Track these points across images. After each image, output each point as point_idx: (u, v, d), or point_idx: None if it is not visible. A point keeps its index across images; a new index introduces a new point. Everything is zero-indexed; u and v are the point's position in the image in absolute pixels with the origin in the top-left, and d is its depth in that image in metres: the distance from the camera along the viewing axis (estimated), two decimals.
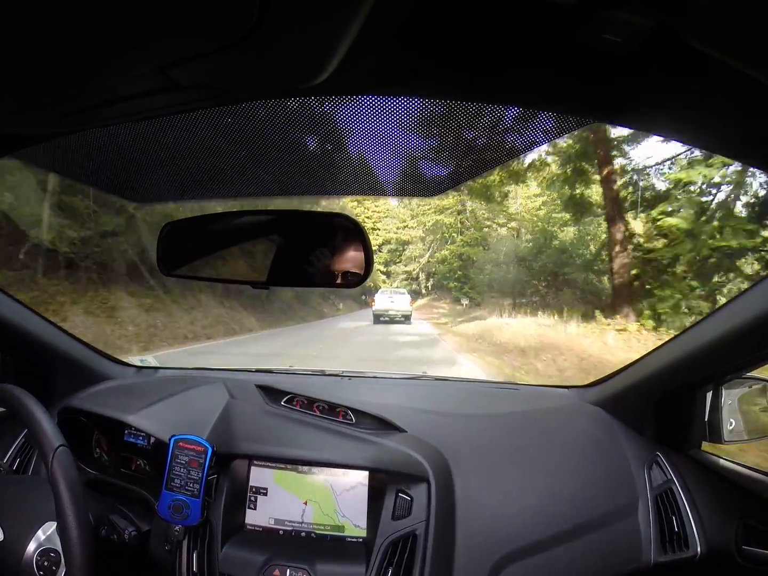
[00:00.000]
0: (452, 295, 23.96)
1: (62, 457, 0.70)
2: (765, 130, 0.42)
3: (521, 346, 7.82)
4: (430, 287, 28.55)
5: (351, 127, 0.54)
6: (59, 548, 0.70)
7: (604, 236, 11.63)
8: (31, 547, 0.72)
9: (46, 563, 0.71)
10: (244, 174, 0.73)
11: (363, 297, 24.65)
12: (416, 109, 0.50)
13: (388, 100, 0.48)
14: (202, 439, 0.90)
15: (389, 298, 14.67)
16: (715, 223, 8.03)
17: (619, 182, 10.26)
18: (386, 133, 0.55)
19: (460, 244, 24.32)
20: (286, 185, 0.78)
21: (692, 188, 8.73)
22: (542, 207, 17.57)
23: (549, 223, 15.32)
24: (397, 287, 23.67)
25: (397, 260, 29.50)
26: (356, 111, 0.50)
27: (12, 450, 1.08)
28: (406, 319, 14.17)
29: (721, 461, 0.94)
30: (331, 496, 0.93)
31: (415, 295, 26.62)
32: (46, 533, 0.74)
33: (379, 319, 13.98)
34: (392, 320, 14.06)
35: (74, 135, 0.57)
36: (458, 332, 11.77)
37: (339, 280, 0.72)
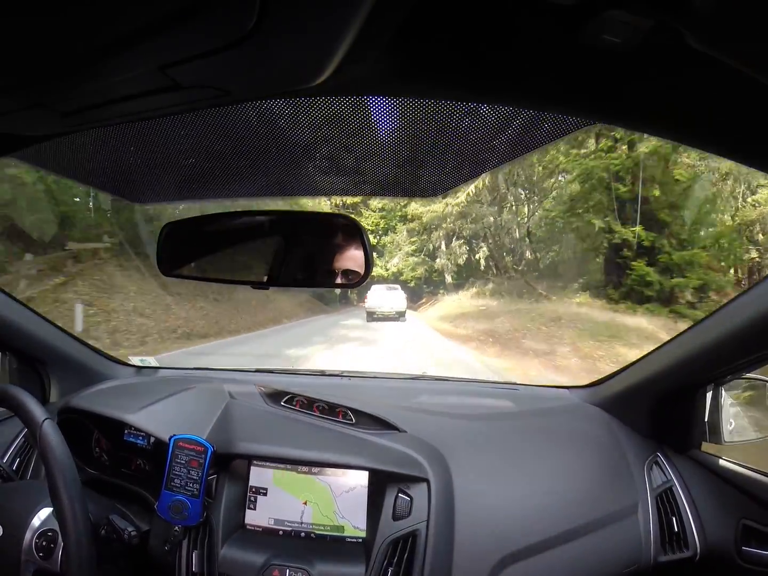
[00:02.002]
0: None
1: (48, 429, 0.74)
2: (765, 131, 0.42)
3: None
4: (482, 264, 13.06)
5: (351, 128, 0.54)
6: (56, 527, 0.73)
7: None
8: (29, 534, 0.75)
9: (44, 543, 0.74)
10: (244, 174, 0.73)
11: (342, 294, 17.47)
12: (416, 109, 0.50)
13: (388, 100, 0.48)
14: (202, 439, 0.90)
15: (382, 295, 13.54)
16: None
17: None
18: (386, 133, 0.55)
19: None
20: (286, 185, 0.78)
21: None
22: None
23: None
24: (395, 272, 17.19)
25: (393, 223, 15.83)
26: (356, 111, 0.50)
27: (12, 450, 1.08)
28: (400, 316, 13.04)
29: (721, 462, 0.94)
30: (330, 497, 0.92)
31: (430, 288, 15.45)
32: (41, 518, 0.77)
33: (372, 316, 13.05)
34: (386, 318, 12.88)
35: (74, 135, 0.57)
36: None
37: (339, 280, 0.73)
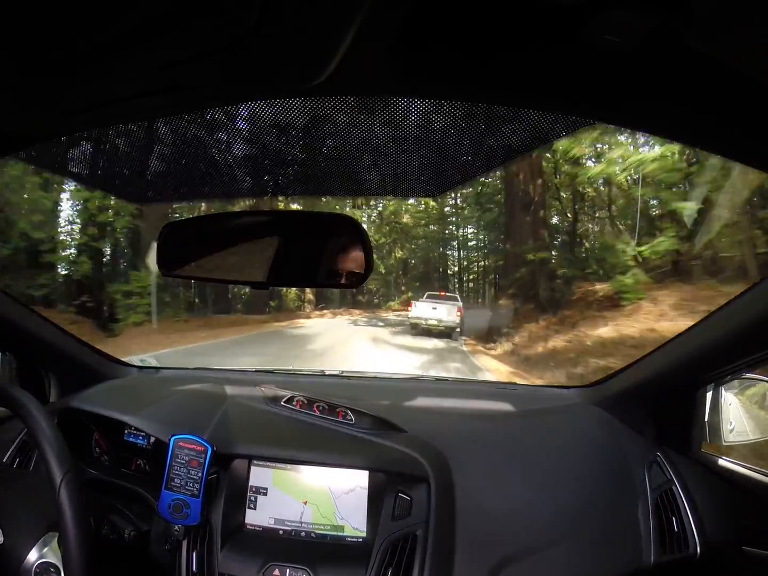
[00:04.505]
0: None
1: (70, 484, 0.69)
2: (765, 130, 0.42)
3: None
4: None
5: (350, 128, 0.54)
6: (59, 563, 0.69)
7: None
8: (32, 556, 0.71)
9: None
10: (243, 174, 0.73)
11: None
12: (416, 109, 0.50)
13: (388, 101, 0.48)
14: (202, 439, 0.90)
15: (432, 305, 10.91)
16: None
17: None
18: (386, 133, 0.55)
19: None
20: (286, 185, 0.78)
21: None
22: None
23: None
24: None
25: None
26: (356, 111, 0.50)
27: (12, 449, 1.08)
28: (451, 331, 10.55)
29: (721, 462, 0.94)
30: (329, 498, 0.92)
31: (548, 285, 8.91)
32: (47, 545, 0.72)
33: (417, 328, 10.82)
34: (430, 332, 10.53)
35: (74, 135, 0.57)
36: None
37: (339, 281, 0.73)
